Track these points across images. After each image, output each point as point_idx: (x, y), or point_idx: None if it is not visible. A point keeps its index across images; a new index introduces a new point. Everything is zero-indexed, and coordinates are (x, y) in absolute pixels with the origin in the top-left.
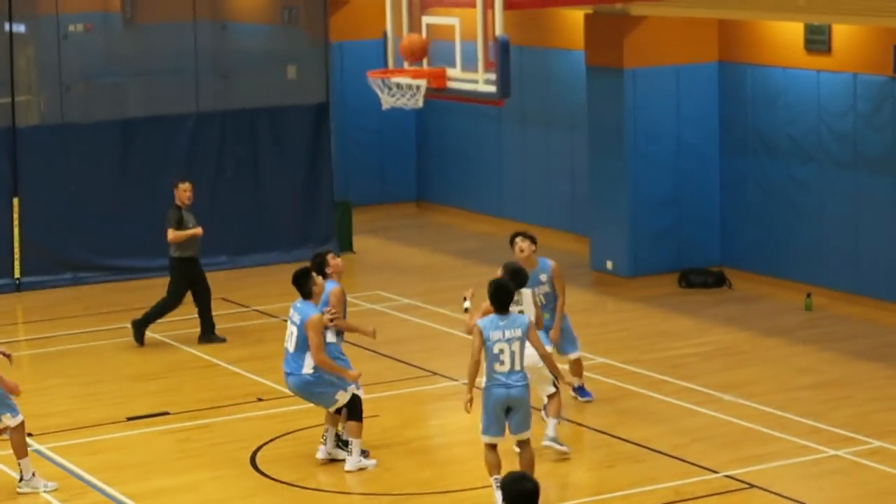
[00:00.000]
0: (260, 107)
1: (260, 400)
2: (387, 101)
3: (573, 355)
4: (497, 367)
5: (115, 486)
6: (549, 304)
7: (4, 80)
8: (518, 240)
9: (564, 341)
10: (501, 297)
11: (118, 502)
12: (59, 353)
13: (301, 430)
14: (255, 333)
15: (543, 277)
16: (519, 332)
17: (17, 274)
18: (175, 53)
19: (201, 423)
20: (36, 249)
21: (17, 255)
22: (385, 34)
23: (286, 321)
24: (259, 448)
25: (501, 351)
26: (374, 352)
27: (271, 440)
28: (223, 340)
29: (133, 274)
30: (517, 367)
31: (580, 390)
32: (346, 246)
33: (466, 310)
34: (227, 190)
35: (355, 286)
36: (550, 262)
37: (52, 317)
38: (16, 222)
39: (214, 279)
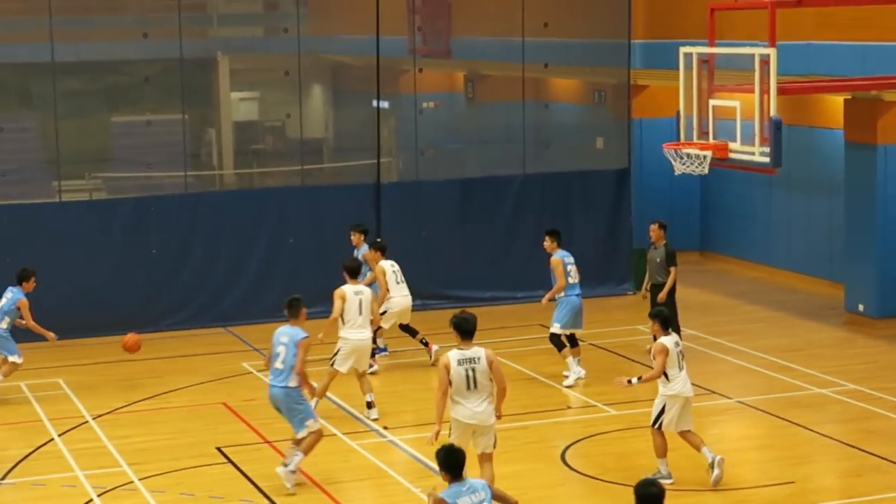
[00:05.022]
0: (573, 171)
1: (569, 407)
2: (678, 168)
3: None
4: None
5: None
6: None
7: (372, 145)
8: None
9: None
10: (453, 461)
11: None
12: (406, 364)
13: (603, 433)
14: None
15: None
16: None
17: None
18: (506, 126)
19: (521, 424)
20: None
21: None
22: (678, 113)
23: (592, 344)
24: (568, 447)
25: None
26: None
27: (578, 441)
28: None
29: (465, 303)
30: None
31: None
32: (638, 286)
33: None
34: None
35: (636, 320)
36: None
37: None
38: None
39: (531, 310)
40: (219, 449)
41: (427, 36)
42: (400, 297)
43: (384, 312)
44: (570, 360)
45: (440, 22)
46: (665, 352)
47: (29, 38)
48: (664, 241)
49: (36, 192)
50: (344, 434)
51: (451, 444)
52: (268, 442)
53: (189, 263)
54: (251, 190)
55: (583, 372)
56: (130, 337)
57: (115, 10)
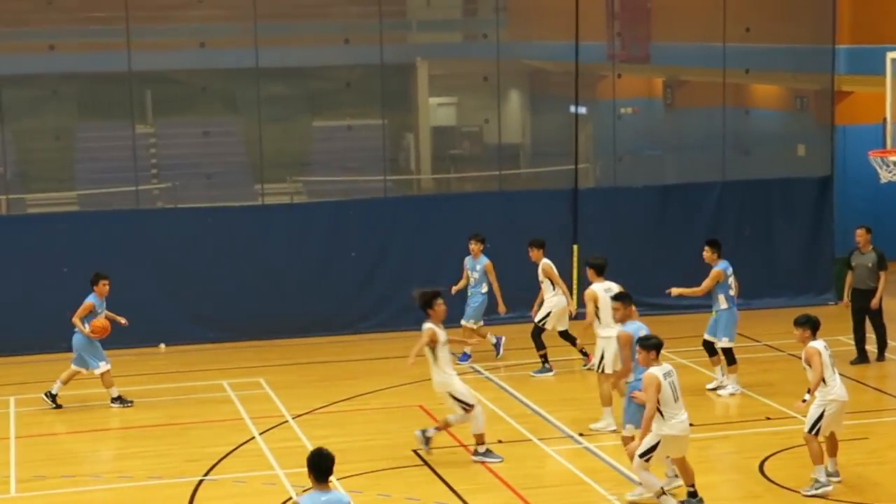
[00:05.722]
0: (774, 178)
1: (768, 419)
2: (884, 177)
3: None
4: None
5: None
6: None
7: (569, 151)
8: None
9: None
10: (321, 465)
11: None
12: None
13: (802, 445)
14: (763, 363)
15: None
16: None
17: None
18: (705, 132)
19: (719, 434)
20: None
21: (574, 290)
22: (885, 120)
23: (791, 355)
24: (766, 458)
25: None
26: (864, 384)
27: (776, 452)
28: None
29: (661, 310)
30: None
31: None
32: (840, 295)
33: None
34: (746, 245)
35: (840, 330)
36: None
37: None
38: (574, 265)
39: None
40: (415, 451)
41: (626, 41)
42: (558, 296)
43: (548, 315)
44: (721, 371)
45: (639, 27)
46: (819, 355)
47: (235, 43)
48: (871, 246)
49: (239, 195)
50: (539, 439)
51: (322, 448)
52: (463, 445)
53: (387, 266)
54: (449, 194)
55: (737, 388)
56: (100, 322)
57: (318, 17)
